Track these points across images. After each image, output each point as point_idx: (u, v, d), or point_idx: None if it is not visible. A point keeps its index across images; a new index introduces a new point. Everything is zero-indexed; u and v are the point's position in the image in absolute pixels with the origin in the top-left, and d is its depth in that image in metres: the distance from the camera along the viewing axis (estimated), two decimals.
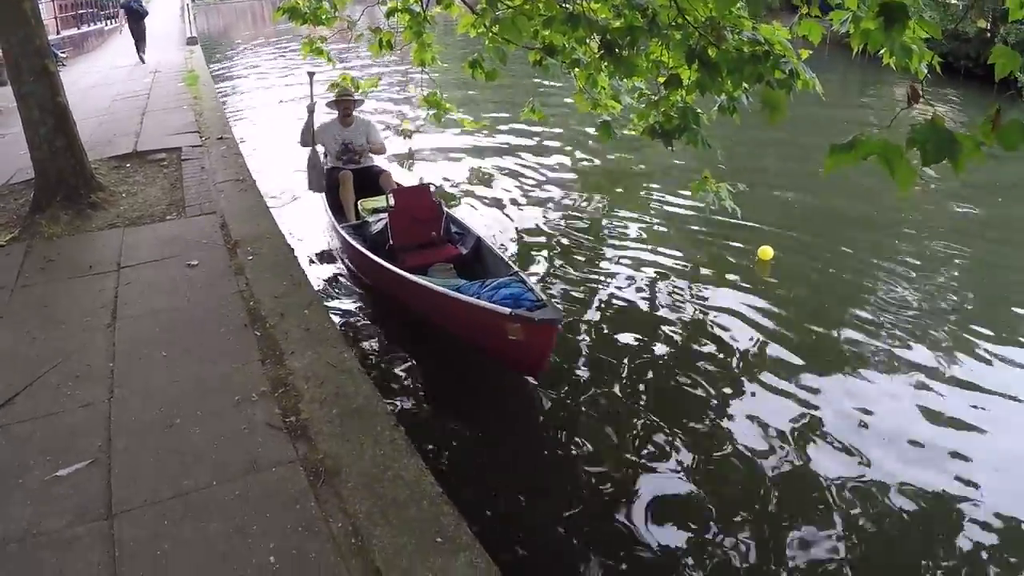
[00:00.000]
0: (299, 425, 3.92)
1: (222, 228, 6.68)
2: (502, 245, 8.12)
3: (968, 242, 8.64)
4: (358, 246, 6.75)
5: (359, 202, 7.92)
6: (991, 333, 6.41)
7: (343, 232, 7.13)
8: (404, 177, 8.91)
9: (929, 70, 4.82)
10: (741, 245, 8.08)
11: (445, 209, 7.28)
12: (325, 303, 6.31)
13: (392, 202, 7.06)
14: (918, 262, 8.06)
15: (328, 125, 8.40)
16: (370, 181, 8.28)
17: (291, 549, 3.14)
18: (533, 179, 10.92)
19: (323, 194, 8.20)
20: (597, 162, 11.98)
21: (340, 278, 7.61)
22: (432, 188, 7.41)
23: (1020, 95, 15.88)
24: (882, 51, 4.64)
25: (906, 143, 2.48)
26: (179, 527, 3.28)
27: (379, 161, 8.82)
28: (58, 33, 24.83)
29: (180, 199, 7.55)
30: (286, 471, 3.60)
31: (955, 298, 7.30)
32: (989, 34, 18.40)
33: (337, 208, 7.98)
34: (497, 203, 9.71)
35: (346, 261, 7.54)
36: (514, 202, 9.88)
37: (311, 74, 8.59)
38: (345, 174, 8.09)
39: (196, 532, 3.25)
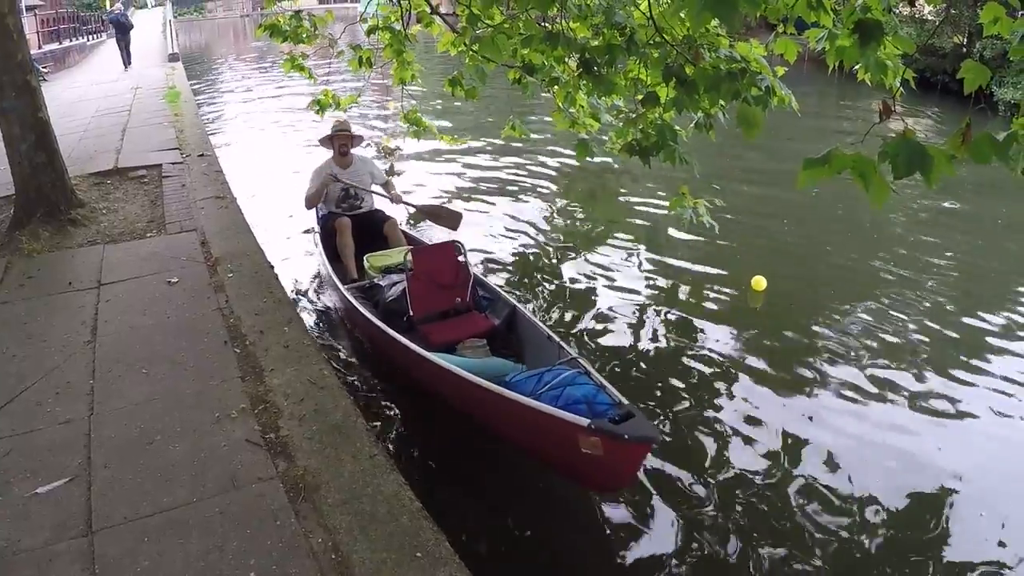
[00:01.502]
0: (279, 442, 3.92)
1: (202, 245, 6.69)
2: (488, 268, 8.14)
3: (947, 240, 8.77)
4: (370, 317, 5.70)
5: (365, 257, 6.82)
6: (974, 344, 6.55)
7: (349, 296, 6.12)
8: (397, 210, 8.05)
9: (904, 85, 4.88)
10: (722, 272, 8.13)
11: (472, 269, 6.30)
12: (317, 338, 6.16)
13: (410, 264, 5.96)
14: (898, 269, 8.21)
15: (323, 167, 7.41)
16: (372, 229, 7.36)
17: (271, 566, 3.14)
18: (515, 195, 10.97)
19: (317, 242, 7.37)
20: (579, 177, 12.08)
21: (331, 315, 7.16)
22: (458, 244, 6.29)
23: (996, 109, 16.14)
24: (857, 67, 4.72)
25: (878, 157, 2.53)
26: (159, 544, 3.26)
27: (381, 204, 7.78)
28: (40, 48, 24.80)
29: (160, 216, 7.54)
30: (266, 488, 3.60)
31: (933, 305, 7.41)
32: (964, 49, 18.67)
33: (334, 257, 7.05)
34: (478, 222, 9.66)
35: (352, 328, 6.60)
36: (496, 219, 9.89)
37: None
38: (342, 221, 7.10)
39: (176, 549, 3.24)
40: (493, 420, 4.70)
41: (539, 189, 11.37)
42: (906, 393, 5.79)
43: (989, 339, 6.68)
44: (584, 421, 3.84)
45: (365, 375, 6.03)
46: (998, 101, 16.52)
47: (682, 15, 4.26)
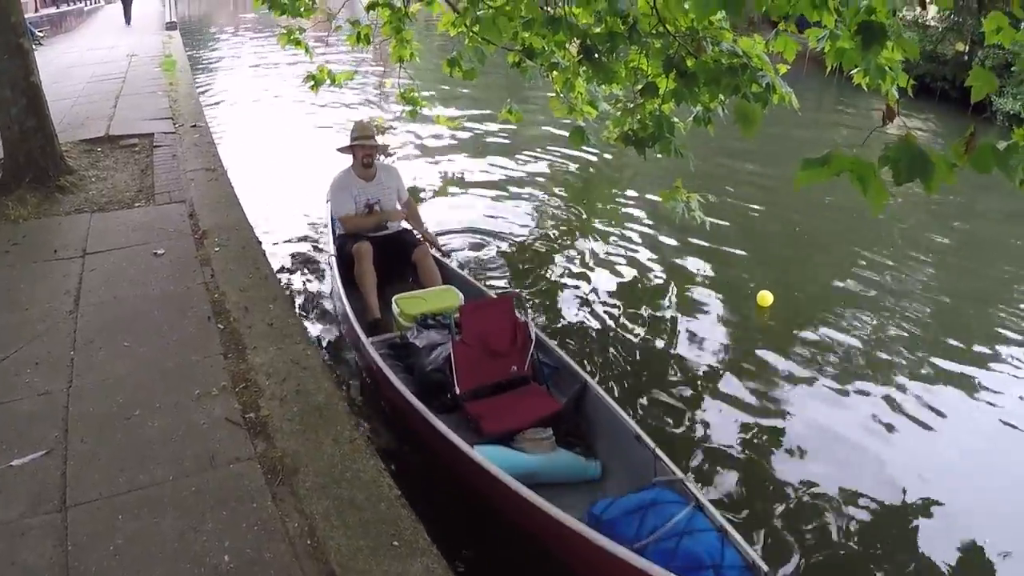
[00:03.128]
0: (259, 421, 3.88)
1: (190, 217, 6.60)
2: (479, 252, 8.05)
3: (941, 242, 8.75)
4: (403, 390, 4.54)
5: (395, 300, 5.62)
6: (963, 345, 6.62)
7: (375, 355, 4.96)
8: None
9: (901, 92, 4.85)
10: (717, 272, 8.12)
11: (534, 330, 5.01)
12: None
13: (458, 326, 4.83)
14: (888, 266, 8.29)
15: (342, 179, 6.44)
16: (398, 254, 6.31)
17: (246, 549, 3.10)
18: (509, 180, 10.86)
19: (332, 265, 6.32)
20: (575, 164, 11.98)
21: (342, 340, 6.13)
22: (518, 297, 5.36)
23: (994, 118, 16.12)
24: (855, 71, 4.68)
25: (879, 161, 2.47)
26: (133, 522, 3.22)
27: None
28: (36, 11, 24.55)
29: (150, 186, 7.45)
30: (244, 468, 3.56)
31: (928, 310, 7.46)
32: (966, 57, 18.62)
33: (349, 282, 6.00)
34: (471, 204, 9.63)
35: (373, 386, 5.36)
36: (489, 203, 9.79)
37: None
38: (362, 247, 5.98)
39: (150, 528, 3.19)
40: (573, 560, 3.62)
41: (533, 177, 11.24)
42: (903, 396, 5.85)
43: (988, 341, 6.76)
44: None
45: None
46: (996, 111, 16.50)
47: (686, 6, 4.20)
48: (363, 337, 5.18)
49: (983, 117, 15.76)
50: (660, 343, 6.42)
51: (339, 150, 6.66)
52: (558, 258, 8.09)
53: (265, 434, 3.79)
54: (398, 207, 6.56)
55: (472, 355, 4.72)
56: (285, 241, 8.06)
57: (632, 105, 5.63)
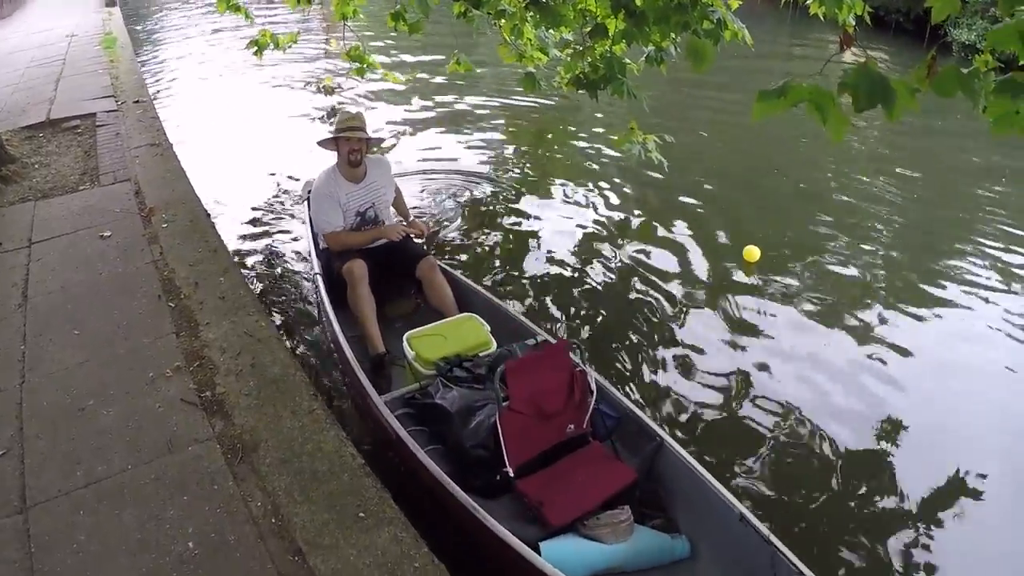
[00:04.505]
0: (215, 400, 3.77)
1: (136, 196, 6.38)
2: (435, 209, 7.87)
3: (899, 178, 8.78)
4: (436, 470, 3.57)
5: (407, 338, 4.48)
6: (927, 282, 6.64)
7: (389, 417, 3.94)
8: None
9: (858, 22, 4.78)
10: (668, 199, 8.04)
11: (594, 379, 3.97)
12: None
13: (504, 385, 3.74)
14: (848, 201, 8.31)
15: (325, 183, 5.27)
16: (397, 269, 5.28)
17: (210, 533, 3.03)
18: (462, 133, 10.62)
19: (319, 286, 5.28)
20: (529, 112, 11.77)
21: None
22: (572, 346, 4.20)
23: (950, 50, 16.12)
24: (810, 0, 4.60)
25: (838, 88, 2.41)
26: (93, 517, 3.13)
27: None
28: None
29: (94, 167, 7.20)
30: (202, 450, 3.46)
31: (889, 248, 7.45)
32: None
33: (339, 304, 5.03)
34: (424, 160, 9.36)
35: (389, 450, 4.16)
36: (442, 158, 9.53)
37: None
38: (356, 267, 4.90)
39: (111, 521, 3.10)
40: None
41: (486, 129, 10.99)
42: (868, 330, 5.87)
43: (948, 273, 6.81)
44: None
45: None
46: (952, 42, 16.45)
47: None
48: (371, 393, 4.12)
49: (940, 45, 15.75)
50: (629, 291, 6.37)
51: (320, 144, 5.47)
52: (515, 212, 7.94)
53: (222, 412, 3.68)
54: (392, 214, 5.61)
55: (523, 422, 3.70)
56: (238, 211, 7.77)
57: (582, 48, 5.51)
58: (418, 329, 4.57)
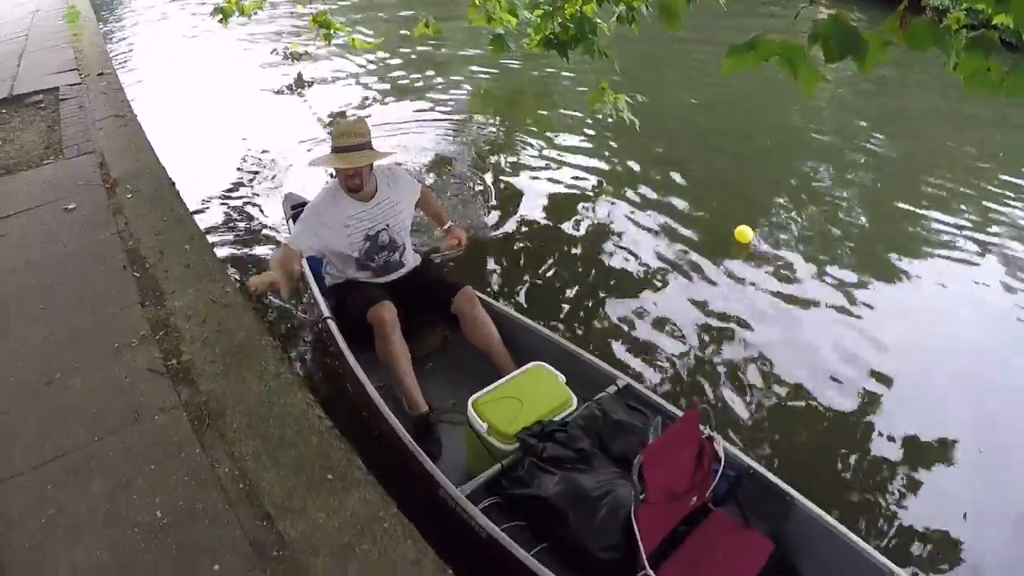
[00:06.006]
0: (181, 368, 3.70)
1: (101, 167, 6.24)
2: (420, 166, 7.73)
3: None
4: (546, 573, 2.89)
5: (473, 403, 3.57)
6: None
7: (474, 514, 3.16)
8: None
9: None
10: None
11: (722, 447, 3.27)
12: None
13: (641, 479, 2.91)
14: (820, 163, 8.17)
15: (326, 200, 4.21)
16: (428, 301, 4.34)
17: (178, 501, 2.99)
18: (431, 98, 10.27)
19: (334, 335, 4.15)
20: (498, 76, 11.48)
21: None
22: (704, 411, 3.32)
23: (922, 11, 15.89)
24: None
25: (808, 39, 2.34)
26: (62, 491, 3.09)
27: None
28: None
29: (58, 141, 7.06)
30: (169, 418, 3.41)
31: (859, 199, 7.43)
32: None
33: (362, 351, 4.05)
34: (396, 126, 9.07)
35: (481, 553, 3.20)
36: (412, 123, 9.24)
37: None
38: (385, 312, 3.93)
39: (79, 495, 3.06)
40: None
41: (455, 93, 10.62)
42: (838, 284, 5.85)
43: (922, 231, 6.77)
44: None
45: None
46: (926, 6, 16.18)
47: None
48: (444, 483, 3.30)
49: (913, 3, 15.56)
50: (610, 255, 6.23)
51: (312, 165, 4.91)
52: (487, 175, 7.70)
53: (188, 379, 3.62)
54: (408, 240, 4.48)
55: (657, 512, 3.05)
56: (204, 180, 7.46)
57: (552, 9, 5.38)
58: (484, 392, 3.66)
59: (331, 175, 6.10)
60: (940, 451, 4.24)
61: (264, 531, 2.82)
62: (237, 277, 5.43)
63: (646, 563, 2.85)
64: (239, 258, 6.05)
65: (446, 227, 4.66)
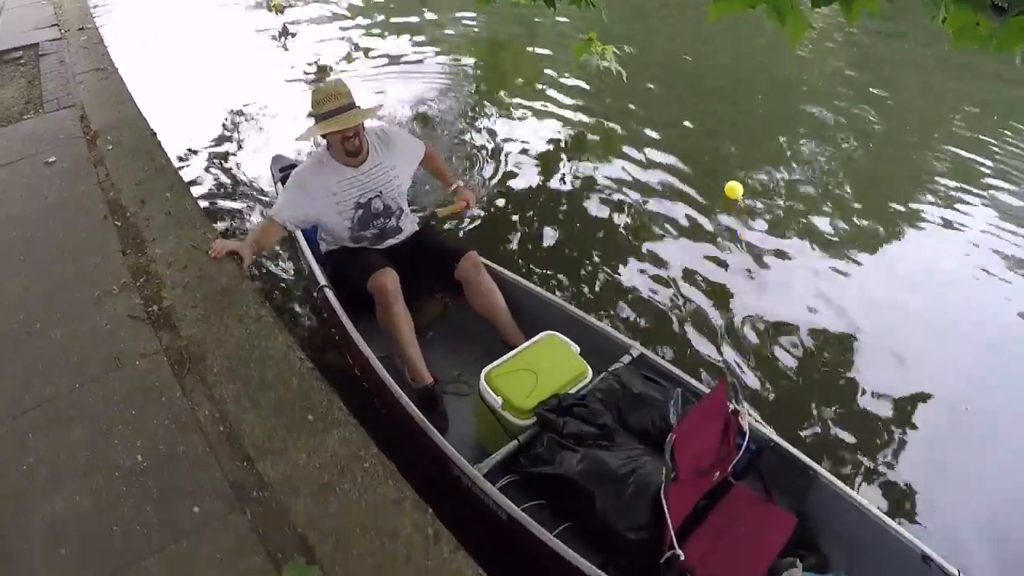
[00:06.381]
0: (162, 313, 3.65)
1: (81, 120, 6.15)
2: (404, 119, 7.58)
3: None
4: (574, 557, 2.78)
5: (486, 376, 3.40)
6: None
7: (493, 495, 3.04)
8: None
9: None
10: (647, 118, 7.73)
11: (747, 420, 3.19)
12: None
13: (674, 463, 2.75)
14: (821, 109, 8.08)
15: (313, 167, 4.01)
16: (430, 268, 4.15)
17: (158, 446, 2.95)
18: (417, 51, 10.10)
19: (334, 305, 3.96)
20: (485, 26, 11.29)
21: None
22: (731, 384, 3.77)
23: None
24: None
25: None
26: (43, 440, 3.05)
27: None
28: None
29: (38, 96, 6.96)
30: (150, 364, 3.36)
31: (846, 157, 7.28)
32: None
33: (362, 319, 3.90)
34: (381, 79, 8.91)
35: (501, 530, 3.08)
36: (399, 77, 9.06)
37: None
38: (388, 279, 3.75)
39: (61, 441, 3.03)
40: None
41: (440, 44, 10.46)
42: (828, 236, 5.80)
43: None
44: None
45: None
46: None
47: None
48: (461, 463, 3.15)
49: None
50: (599, 208, 6.11)
51: (300, 139, 4.74)
52: (472, 130, 7.53)
53: (169, 325, 3.57)
54: (405, 205, 4.26)
55: (685, 490, 2.91)
56: (186, 130, 7.39)
57: None
58: (497, 364, 3.47)
59: (316, 145, 5.81)
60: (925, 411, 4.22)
61: (244, 473, 2.78)
62: (218, 225, 5.35)
63: (675, 542, 2.73)
64: (221, 208, 6.00)
65: (452, 188, 4.52)
